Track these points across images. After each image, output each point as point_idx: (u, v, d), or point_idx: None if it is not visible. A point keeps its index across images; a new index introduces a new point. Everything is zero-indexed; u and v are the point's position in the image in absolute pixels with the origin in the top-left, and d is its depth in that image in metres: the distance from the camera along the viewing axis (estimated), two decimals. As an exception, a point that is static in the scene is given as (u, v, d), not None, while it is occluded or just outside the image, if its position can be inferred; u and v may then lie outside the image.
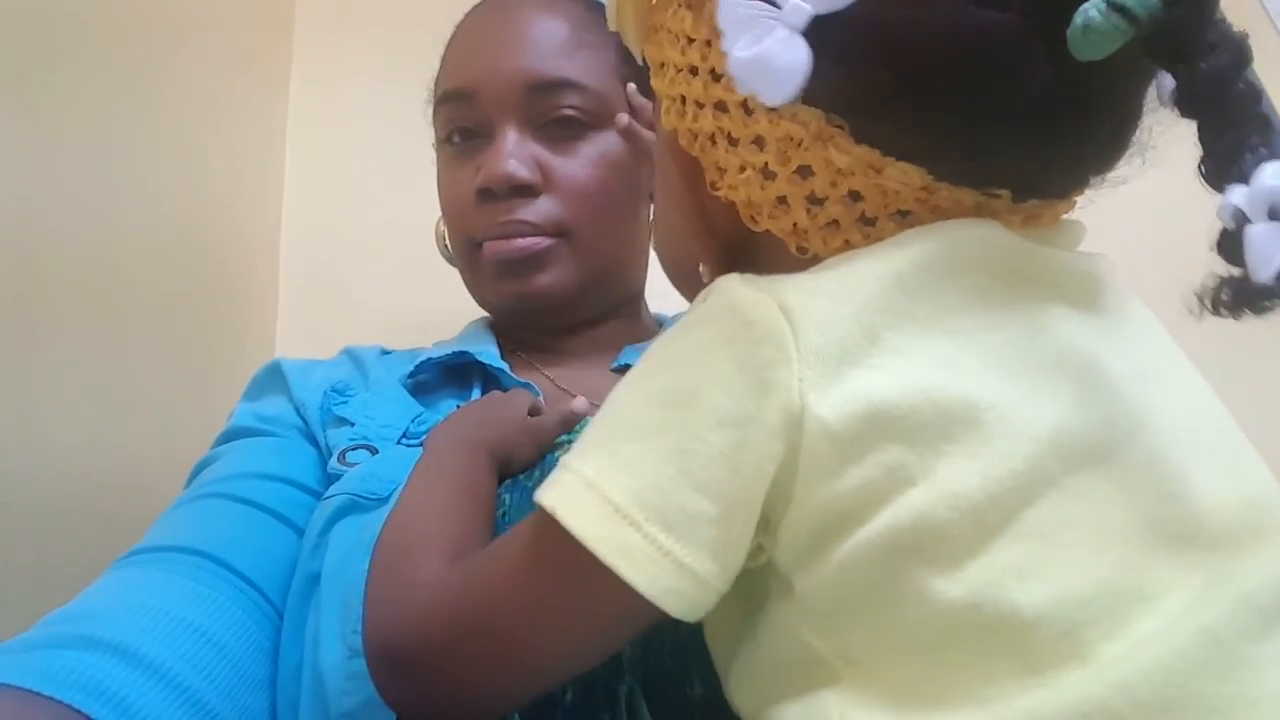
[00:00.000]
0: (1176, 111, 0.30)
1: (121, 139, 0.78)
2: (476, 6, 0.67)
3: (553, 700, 0.40)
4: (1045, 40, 0.29)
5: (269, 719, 0.46)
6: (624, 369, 0.62)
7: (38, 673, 0.39)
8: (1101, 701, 0.27)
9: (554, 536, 0.30)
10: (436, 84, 0.67)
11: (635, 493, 0.30)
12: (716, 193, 0.36)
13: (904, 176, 0.32)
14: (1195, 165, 0.30)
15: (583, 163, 0.62)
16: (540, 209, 0.60)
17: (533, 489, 0.43)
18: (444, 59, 0.67)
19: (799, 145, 0.33)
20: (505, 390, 0.60)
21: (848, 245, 0.33)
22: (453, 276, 0.68)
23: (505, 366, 0.61)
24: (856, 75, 0.31)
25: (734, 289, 0.32)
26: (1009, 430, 0.29)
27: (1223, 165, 0.29)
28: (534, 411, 0.56)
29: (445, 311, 0.72)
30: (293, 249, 1.09)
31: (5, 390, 0.62)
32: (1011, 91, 0.31)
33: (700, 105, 0.35)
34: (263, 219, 1.06)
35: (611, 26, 0.40)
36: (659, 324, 0.71)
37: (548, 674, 0.35)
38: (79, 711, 0.38)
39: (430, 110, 0.69)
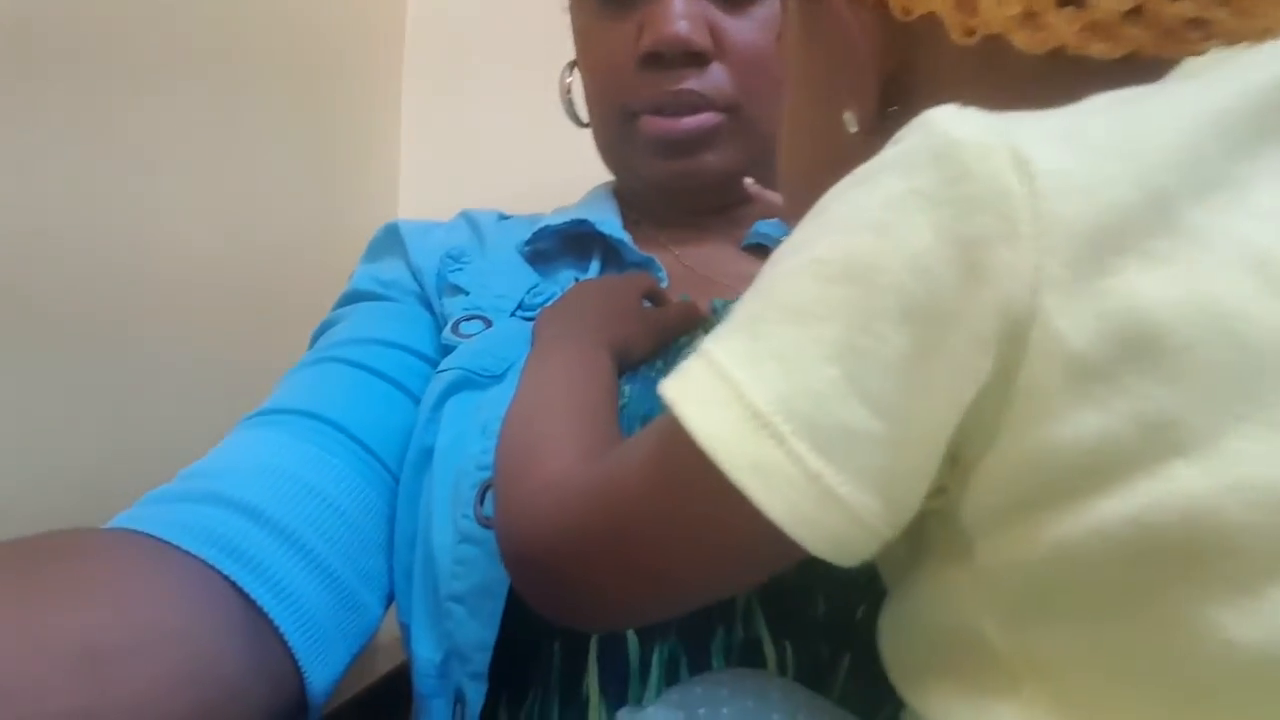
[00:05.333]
0: None
1: (212, 173, 0.71)
2: None
3: None
4: None
5: (387, 581, 0.48)
6: (755, 247, 0.58)
7: (175, 525, 0.40)
8: None
9: (679, 440, 0.24)
10: None
11: (783, 395, 0.23)
12: None
13: None
14: None
15: (757, 27, 0.54)
16: (711, 79, 0.54)
17: (655, 379, 0.40)
18: None
19: None
20: (625, 264, 0.57)
21: (1032, 21, 0.24)
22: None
23: (627, 239, 0.57)
24: None
25: (947, 122, 0.23)
26: None
27: None
28: (652, 297, 0.52)
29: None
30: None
31: (49, 402, 0.58)
32: None
33: None
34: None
35: None
36: None
37: (686, 596, 0.30)
38: (212, 567, 0.39)
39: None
